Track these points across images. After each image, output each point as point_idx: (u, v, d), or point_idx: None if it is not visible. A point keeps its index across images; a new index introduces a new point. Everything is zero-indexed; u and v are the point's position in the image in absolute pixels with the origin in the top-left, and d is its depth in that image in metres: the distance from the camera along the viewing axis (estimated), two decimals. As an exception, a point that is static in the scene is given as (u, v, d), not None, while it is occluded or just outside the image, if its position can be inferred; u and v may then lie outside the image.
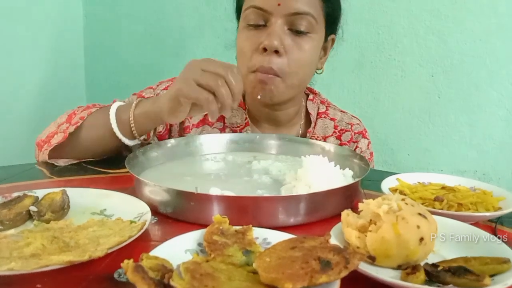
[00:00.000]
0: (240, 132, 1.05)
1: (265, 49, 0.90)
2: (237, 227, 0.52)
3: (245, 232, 0.52)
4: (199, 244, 0.50)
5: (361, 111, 1.68)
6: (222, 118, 1.06)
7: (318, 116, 1.12)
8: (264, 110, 1.04)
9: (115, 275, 0.46)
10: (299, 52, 0.92)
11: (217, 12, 1.80)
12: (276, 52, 0.89)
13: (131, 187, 0.69)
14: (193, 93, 0.71)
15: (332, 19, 0.99)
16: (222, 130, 1.05)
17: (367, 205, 0.50)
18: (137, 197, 0.62)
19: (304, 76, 0.98)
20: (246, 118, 1.06)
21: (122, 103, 0.89)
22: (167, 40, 1.90)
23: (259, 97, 0.93)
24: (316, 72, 1.04)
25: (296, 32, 0.91)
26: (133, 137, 0.86)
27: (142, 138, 0.88)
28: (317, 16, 0.93)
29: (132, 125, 0.83)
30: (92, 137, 0.87)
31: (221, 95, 0.70)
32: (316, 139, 1.06)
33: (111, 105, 0.87)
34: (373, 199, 0.51)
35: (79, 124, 0.84)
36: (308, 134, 1.09)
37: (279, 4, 0.89)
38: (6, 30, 1.56)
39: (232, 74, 0.72)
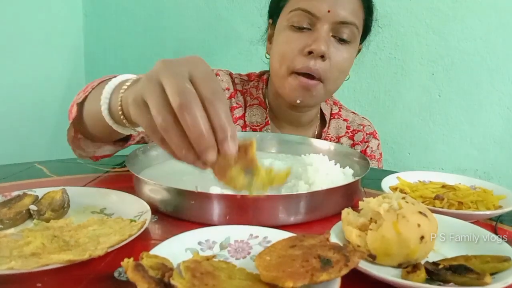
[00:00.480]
0: (260, 131, 1.06)
1: (309, 53, 0.91)
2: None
3: (247, 148, 0.47)
4: (199, 243, 0.50)
5: (362, 110, 1.68)
6: (242, 116, 1.08)
7: (332, 117, 1.16)
8: (287, 111, 1.06)
9: (115, 274, 0.46)
10: (340, 60, 0.94)
11: (217, 11, 1.80)
12: (321, 57, 0.91)
13: (131, 186, 0.69)
14: (143, 123, 0.48)
15: (366, 31, 1.02)
16: (243, 129, 1.07)
17: (368, 204, 0.50)
18: (137, 196, 0.62)
19: (339, 83, 1.01)
20: (266, 117, 1.07)
21: (128, 77, 0.64)
22: (167, 40, 1.89)
23: (298, 101, 0.96)
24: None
25: (339, 40, 0.94)
26: (124, 125, 0.62)
27: (138, 129, 0.65)
28: (359, 27, 0.96)
29: (120, 110, 0.59)
30: (91, 118, 0.71)
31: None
32: (330, 139, 1.10)
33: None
34: (374, 198, 0.51)
35: (87, 93, 0.71)
36: (323, 134, 1.12)
37: (329, 11, 0.90)
38: (5, 29, 1.56)
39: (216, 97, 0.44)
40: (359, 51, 1.06)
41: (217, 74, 1.07)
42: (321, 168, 0.70)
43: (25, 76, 1.67)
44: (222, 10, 1.78)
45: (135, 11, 1.91)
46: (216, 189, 0.64)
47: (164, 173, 0.79)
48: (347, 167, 0.76)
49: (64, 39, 1.88)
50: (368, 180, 0.76)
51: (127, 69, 1.95)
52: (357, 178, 0.70)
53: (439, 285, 0.44)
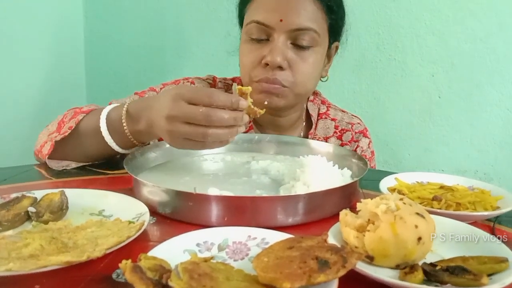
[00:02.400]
0: None
1: (266, 64, 0.90)
2: None
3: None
4: (198, 244, 0.50)
5: (362, 111, 1.68)
6: None
7: (319, 117, 1.13)
8: (267, 116, 1.05)
9: (114, 276, 0.46)
10: (303, 66, 0.93)
11: (217, 12, 1.80)
12: (280, 67, 0.90)
13: (129, 187, 0.69)
14: (185, 133, 0.67)
15: (335, 29, 0.99)
16: None
17: (365, 205, 0.50)
18: (135, 197, 0.62)
19: (310, 86, 1.00)
20: (250, 122, 1.06)
21: (114, 106, 0.83)
22: (167, 40, 1.90)
23: (266, 102, 0.94)
24: (321, 80, 1.05)
25: (299, 47, 0.92)
26: (130, 147, 0.83)
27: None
28: (320, 30, 0.93)
29: (133, 139, 0.80)
30: (86, 148, 0.84)
31: (217, 131, 0.67)
32: (318, 140, 1.08)
33: (100, 113, 0.81)
34: (371, 199, 0.51)
35: (66, 134, 0.81)
36: (309, 136, 1.10)
37: (281, 20, 0.89)
38: (6, 29, 1.56)
39: (224, 99, 0.66)
40: (336, 48, 1.04)
41: (192, 83, 1.07)
42: (319, 170, 0.70)
43: (25, 76, 1.67)
44: (222, 11, 1.79)
45: (136, 12, 1.91)
46: (214, 191, 0.64)
47: (163, 175, 0.79)
48: (345, 168, 0.76)
49: (64, 40, 1.88)
50: (366, 181, 0.76)
51: (127, 68, 1.96)
52: (355, 179, 0.70)
53: (436, 286, 0.44)
